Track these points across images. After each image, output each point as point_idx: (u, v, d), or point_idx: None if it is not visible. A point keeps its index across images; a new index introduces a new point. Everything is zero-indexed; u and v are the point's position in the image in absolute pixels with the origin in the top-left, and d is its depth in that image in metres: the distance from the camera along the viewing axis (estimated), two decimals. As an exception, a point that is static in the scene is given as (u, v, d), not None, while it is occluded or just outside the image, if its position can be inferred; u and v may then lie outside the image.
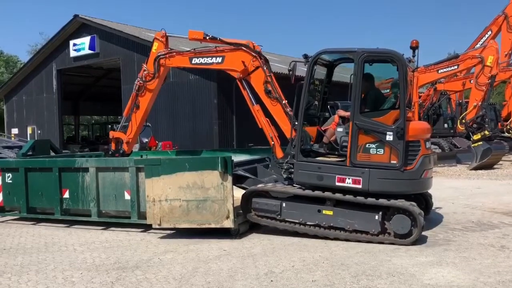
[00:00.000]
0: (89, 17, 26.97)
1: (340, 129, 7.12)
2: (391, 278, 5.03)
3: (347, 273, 5.25)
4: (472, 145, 15.94)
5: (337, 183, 6.69)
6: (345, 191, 6.64)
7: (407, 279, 5.00)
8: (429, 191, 7.50)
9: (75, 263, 5.96)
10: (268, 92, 7.96)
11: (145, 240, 7.10)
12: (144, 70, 9.18)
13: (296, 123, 7.15)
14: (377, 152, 6.56)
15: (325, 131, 7.44)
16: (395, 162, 6.47)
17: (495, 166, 16.33)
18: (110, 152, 9.99)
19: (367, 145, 6.59)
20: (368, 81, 7.11)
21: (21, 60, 48.84)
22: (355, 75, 6.67)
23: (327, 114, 8.02)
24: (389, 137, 6.46)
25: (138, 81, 9.27)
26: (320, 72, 7.76)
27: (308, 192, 6.86)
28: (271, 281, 5.07)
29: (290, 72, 7.43)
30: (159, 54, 9.01)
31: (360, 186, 6.56)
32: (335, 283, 4.94)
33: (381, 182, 6.50)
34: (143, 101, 9.39)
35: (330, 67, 7.90)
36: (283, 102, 7.86)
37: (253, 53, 8.06)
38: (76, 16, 26.42)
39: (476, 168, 15.46)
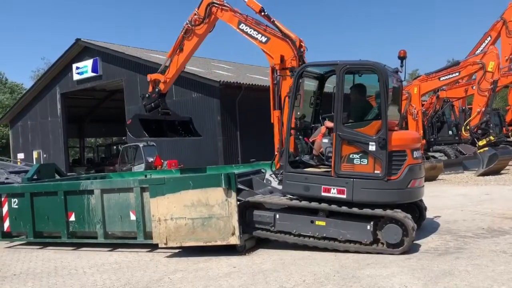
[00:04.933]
0: (91, 40, 27.29)
1: (325, 140, 7.14)
2: (404, 289, 4.97)
3: (358, 285, 5.19)
4: (478, 151, 15.87)
5: (322, 193, 6.74)
6: (331, 201, 6.67)
7: (420, 289, 4.94)
8: (437, 199, 7.45)
9: (85, 286, 5.93)
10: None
11: (155, 260, 7.07)
12: (195, 14, 9.19)
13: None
14: (361, 162, 6.58)
15: (313, 142, 7.47)
16: (378, 172, 6.48)
17: (502, 172, 16.24)
18: (147, 95, 10.02)
19: (351, 156, 6.63)
20: (358, 92, 7.16)
21: (26, 87, 49.33)
22: (337, 86, 6.72)
23: (319, 125, 8.05)
24: (372, 147, 6.48)
25: (187, 24, 9.29)
26: (311, 84, 7.83)
27: (286, 200, 6.97)
28: (282, 296, 5.02)
29: (276, 86, 7.45)
30: (214, 1, 8.99)
31: (344, 196, 6.58)
32: (347, 296, 4.89)
33: (365, 192, 6.52)
34: (188, 44, 9.46)
35: (321, 79, 7.97)
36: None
37: (295, 52, 8.01)
38: (78, 39, 26.76)
39: (483, 174, 15.38)
